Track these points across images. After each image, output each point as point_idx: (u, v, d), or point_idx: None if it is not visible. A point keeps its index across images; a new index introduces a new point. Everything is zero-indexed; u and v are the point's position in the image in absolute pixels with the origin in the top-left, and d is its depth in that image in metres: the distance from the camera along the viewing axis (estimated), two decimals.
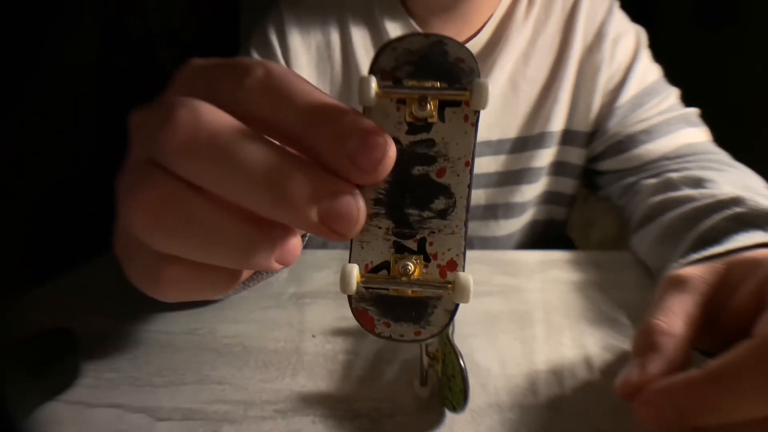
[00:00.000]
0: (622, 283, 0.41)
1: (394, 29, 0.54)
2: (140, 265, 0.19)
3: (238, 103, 0.17)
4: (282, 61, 0.54)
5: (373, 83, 0.17)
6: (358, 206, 0.17)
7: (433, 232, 0.18)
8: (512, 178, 0.57)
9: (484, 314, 0.37)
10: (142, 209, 0.17)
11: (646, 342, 0.26)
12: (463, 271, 0.18)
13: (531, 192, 0.58)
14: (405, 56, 0.17)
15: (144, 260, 0.19)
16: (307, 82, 0.18)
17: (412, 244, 0.18)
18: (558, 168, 0.58)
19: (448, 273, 0.18)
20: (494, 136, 0.56)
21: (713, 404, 0.21)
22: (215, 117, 0.16)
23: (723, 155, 0.51)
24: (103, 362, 0.32)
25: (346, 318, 0.37)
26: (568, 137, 0.56)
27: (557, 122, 0.55)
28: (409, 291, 0.18)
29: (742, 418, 0.21)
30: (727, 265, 0.28)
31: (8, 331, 0.36)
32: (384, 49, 0.17)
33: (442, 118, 0.18)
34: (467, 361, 0.25)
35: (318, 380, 0.30)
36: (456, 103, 0.17)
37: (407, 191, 0.18)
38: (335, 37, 0.55)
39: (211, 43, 0.91)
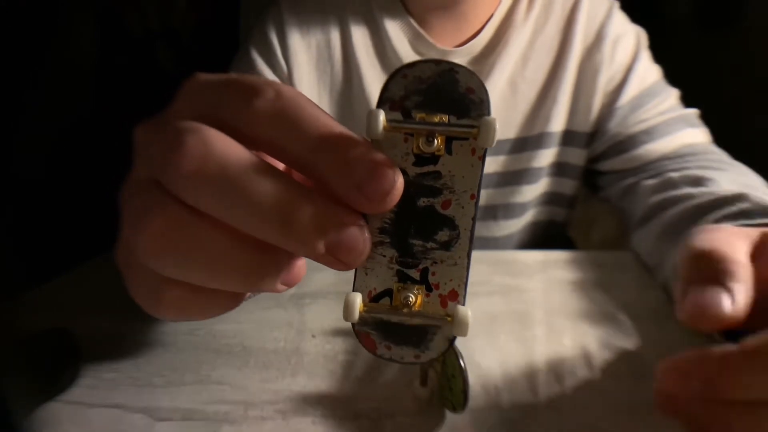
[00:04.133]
0: (623, 283, 0.41)
1: (393, 28, 0.54)
2: (142, 284, 0.19)
3: (245, 124, 0.17)
4: (282, 61, 0.54)
5: (381, 117, 0.17)
6: (364, 238, 0.17)
7: (436, 263, 0.18)
8: (512, 178, 0.57)
9: (484, 314, 0.37)
10: (150, 236, 0.17)
11: (720, 269, 0.22)
12: (464, 302, 0.18)
13: (531, 193, 0.58)
14: (414, 84, 0.18)
15: (146, 281, 0.19)
16: (317, 107, 0.17)
17: (414, 274, 0.18)
18: (558, 169, 0.58)
19: (449, 303, 0.18)
20: None
21: (745, 381, 0.20)
22: (225, 146, 0.16)
23: (723, 155, 0.51)
24: (103, 362, 0.32)
25: None
26: (568, 138, 0.56)
27: (557, 123, 0.55)
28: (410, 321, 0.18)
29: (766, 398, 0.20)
30: (761, 233, 0.26)
31: (8, 331, 0.36)
32: (394, 76, 0.18)
33: (449, 150, 0.18)
34: (467, 361, 0.25)
35: (318, 380, 0.30)
36: (464, 137, 0.18)
37: (412, 222, 0.18)
38: (335, 35, 0.55)
39: (210, 42, 0.91)
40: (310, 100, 0.18)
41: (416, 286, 0.18)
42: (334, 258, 0.17)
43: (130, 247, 0.18)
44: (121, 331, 0.35)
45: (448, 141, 0.18)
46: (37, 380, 0.29)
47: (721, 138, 0.53)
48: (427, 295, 0.18)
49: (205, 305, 0.19)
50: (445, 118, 0.18)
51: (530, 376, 0.30)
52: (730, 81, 0.95)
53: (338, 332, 0.35)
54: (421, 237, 0.18)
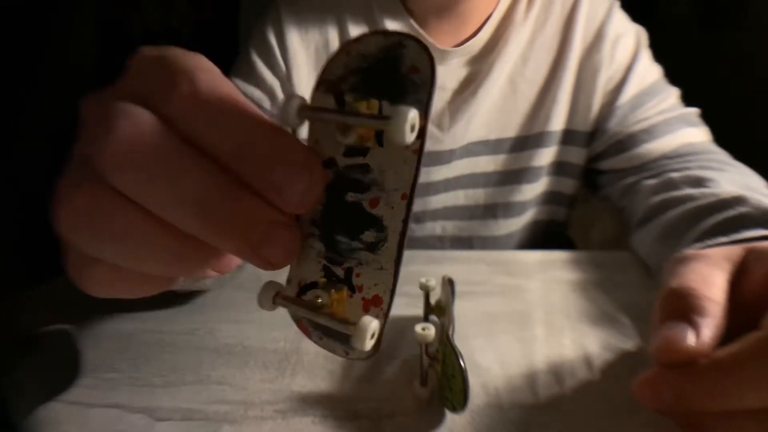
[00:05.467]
0: (623, 283, 0.41)
1: (391, 24, 0.54)
2: (69, 259, 0.19)
3: (169, 116, 0.16)
4: (281, 62, 0.54)
5: (296, 104, 0.16)
6: (291, 237, 0.16)
7: (361, 264, 0.17)
8: (512, 177, 0.57)
9: (484, 314, 0.37)
10: (70, 212, 0.17)
11: (688, 305, 0.23)
12: (387, 310, 0.16)
13: (531, 192, 0.58)
14: (356, 62, 0.16)
15: (72, 256, 0.19)
16: (238, 96, 0.17)
17: (339, 272, 0.17)
18: (558, 168, 0.58)
19: (371, 308, 0.17)
20: (493, 136, 0.56)
21: (715, 391, 0.21)
22: (154, 133, 0.16)
23: (723, 155, 0.51)
24: (103, 362, 0.32)
25: None
26: (568, 137, 0.56)
27: (557, 122, 0.55)
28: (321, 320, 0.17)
29: (741, 408, 0.21)
30: (745, 250, 0.27)
31: (8, 331, 0.36)
32: (338, 54, 0.16)
33: (380, 142, 0.16)
34: (467, 361, 0.25)
35: (318, 380, 0.30)
36: (379, 129, 0.16)
37: (339, 217, 0.17)
38: (334, 36, 0.55)
39: (211, 42, 0.91)
40: (231, 87, 0.17)
41: (339, 285, 0.17)
42: (260, 258, 0.16)
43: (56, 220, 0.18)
44: (121, 331, 0.36)
45: (379, 132, 0.16)
46: (37, 380, 0.29)
47: (721, 138, 0.53)
48: (350, 296, 0.17)
49: (131, 285, 0.19)
50: (376, 104, 0.15)
51: (530, 376, 0.30)
52: (730, 80, 0.95)
53: None
54: (347, 234, 0.17)
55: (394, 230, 0.16)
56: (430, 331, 0.27)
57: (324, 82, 0.16)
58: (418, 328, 0.27)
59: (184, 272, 0.18)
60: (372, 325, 0.16)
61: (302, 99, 0.16)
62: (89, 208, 0.16)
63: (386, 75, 0.15)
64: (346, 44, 0.16)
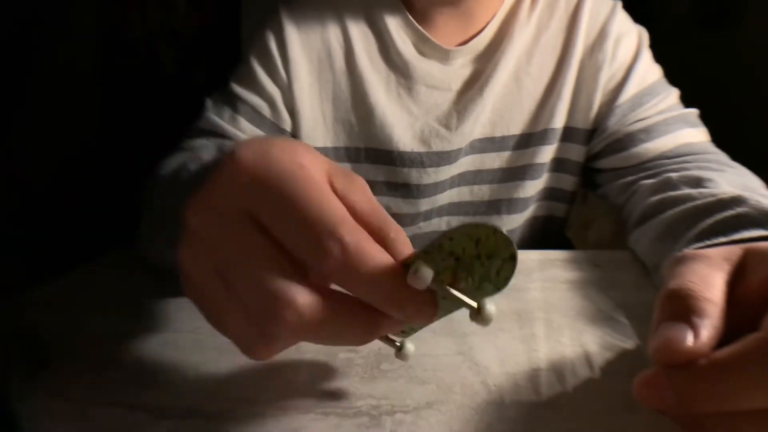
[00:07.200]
0: (621, 283, 0.41)
1: (396, 30, 0.54)
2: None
3: (317, 273, 0.22)
4: (282, 72, 0.54)
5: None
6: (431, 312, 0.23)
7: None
8: (516, 174, 0.58)
9: None
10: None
11: (687, 306, 0.23)
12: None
13: (533, 188, 0.59)
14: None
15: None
16: (378, 249, 0.22)
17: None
18: (559, 165, 0.58)
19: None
20: (498, 133, 0.56)
21: (716, 393, 0.21)
22: (315, 314, 0.21)
23: (721, 155, 0.51)
24: (104, 361, 0.33)
25: None
26: (569, 134, 0.56)
27: (559, 119, 0.55)
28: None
29: (741, 409, 0.21)
30: (744, 250, 0.27)
31: (8, 331, 0.36)
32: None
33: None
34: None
35: (318, 377, 0.30)
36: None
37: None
38: (336, 44, 0.54)
39: (211, 44, 0.91)
40: (370, 241, 0.22)
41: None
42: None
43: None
44: (122, 330, 0.36)
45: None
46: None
47: (720, 138, 0.53)
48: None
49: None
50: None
51: (530, 373, 0.30)
52: (730, 81, 0.95)
53: None
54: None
55: None
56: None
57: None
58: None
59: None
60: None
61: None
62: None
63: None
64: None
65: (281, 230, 0.22)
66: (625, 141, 0.53)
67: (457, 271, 0.23)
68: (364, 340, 0.24)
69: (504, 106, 0.55)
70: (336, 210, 0.22)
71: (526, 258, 0.46)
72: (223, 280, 0.22)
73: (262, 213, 0.22)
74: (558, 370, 0.31)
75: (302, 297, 0.21)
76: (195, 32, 0.88)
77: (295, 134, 0.56)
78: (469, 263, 0.23)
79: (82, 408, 0.29)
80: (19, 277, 0.46)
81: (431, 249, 0.22)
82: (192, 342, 0.34)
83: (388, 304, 0.22)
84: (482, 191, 0.59)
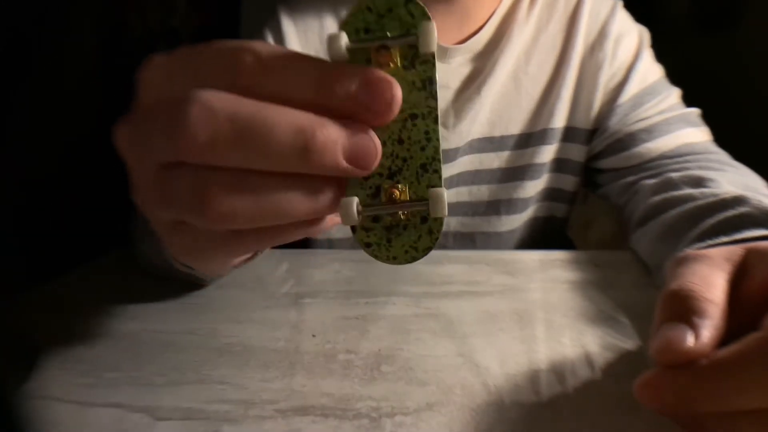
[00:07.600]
0: (622, 283, 0.41)
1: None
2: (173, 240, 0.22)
3: (238, 89, 0.18)
4: None
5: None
6: (375, 142, 0.19)
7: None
8: (515, 174, 0.58)
9: (484, 314, 0.37)
10: (216, 218, 0.18)
11: (688, 307, 0.23)
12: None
13: (533, 188, 0.58)
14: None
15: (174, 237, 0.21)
16: (293, 52, 0.19)
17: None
18: (559, 165, 0.58)
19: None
20: (497, 133, 0.56)
21: (716, 393, 0.21)
22: (225, 102, 0.17)
23: (723, 155, 0.51)
24: (103, 362, 0.32)
25: (346, 317, 0.37)
26: (569, 134, 0.56)
27: (559, 119, 0.55)
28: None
29: (742, 409, 0.21)
30: (746, 250, 0.27)
31: (8, 331, 0.36)
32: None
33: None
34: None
35: (318, 380, 0.30)
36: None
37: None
38: None
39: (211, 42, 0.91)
40: (283, 48, 0.19)
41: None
42: (355, 166, 0.18)
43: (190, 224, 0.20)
44: (121, 331, 0.36)
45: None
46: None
47: (721, 138, 0.53)
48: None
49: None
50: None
51: (530, 375, 0.30)
52: (730, 81, 0.95)
53: (338, 331, 0.35)
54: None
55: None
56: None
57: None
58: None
59: (318, 208, 0.20)
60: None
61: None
62: (226, 200, 0.18)
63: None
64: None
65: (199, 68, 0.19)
66: (626, 141, 0.53)
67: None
68: (316, 201, 0.19)
69: (503, 106, 0.55)
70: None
71: (527, 258, 0.46)
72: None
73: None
74: (558, 370, 0.31)
75: (210, 93, 0.17)
76: (195, 32, 0.88)
77: None
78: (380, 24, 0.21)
79: (80, 409, 0.29)
80: (19, 277, 0.46)
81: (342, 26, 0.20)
82: (191, 343, 0.34)
83: (326, 87, 0.18)
84: (481, 191, 0.58)
